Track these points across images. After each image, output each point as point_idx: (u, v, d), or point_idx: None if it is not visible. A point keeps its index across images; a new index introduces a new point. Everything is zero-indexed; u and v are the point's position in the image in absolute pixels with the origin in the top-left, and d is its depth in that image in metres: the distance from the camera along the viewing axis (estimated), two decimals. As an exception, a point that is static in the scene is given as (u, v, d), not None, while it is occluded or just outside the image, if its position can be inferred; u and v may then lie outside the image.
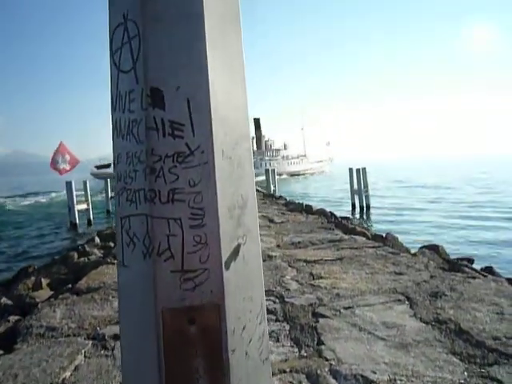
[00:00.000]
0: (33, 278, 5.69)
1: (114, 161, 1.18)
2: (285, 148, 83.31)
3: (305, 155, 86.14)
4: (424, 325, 2.99)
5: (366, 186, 21.84)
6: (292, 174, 75.17)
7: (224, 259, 1.10)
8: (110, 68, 1.15)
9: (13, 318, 3.79)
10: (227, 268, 1.11)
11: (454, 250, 11.02)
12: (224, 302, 1.10)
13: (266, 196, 16.78)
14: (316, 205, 14.06)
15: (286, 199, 16.13)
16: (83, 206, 21.15)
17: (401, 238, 13.07)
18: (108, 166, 52.08)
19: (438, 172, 68.61)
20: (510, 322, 2.95)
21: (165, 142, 1.06)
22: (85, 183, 21.63)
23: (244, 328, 1.15)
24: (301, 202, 14.10)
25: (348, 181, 23.39)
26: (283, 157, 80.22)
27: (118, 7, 1.12)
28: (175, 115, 1.06)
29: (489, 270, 5.77)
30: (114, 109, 1.15)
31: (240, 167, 1.17)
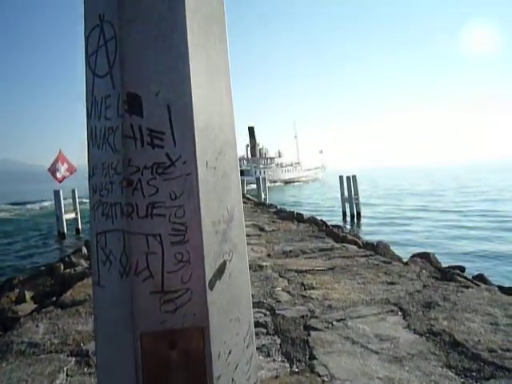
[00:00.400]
0: (16, 291, 5.52)
1: (88, 172, 1.09)
2: (279, 156, 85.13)
3: (298, 163, 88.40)
4: (418, 337, 2.92)
5: (356, 193, 21.87)
6: (286, 182, 76.82)
7: (208, 278, 1.02)
8: (85, 72, 1.07)
9: (-8, 334, 3.64)
10: (211, 288, 1.02)
11: (443, 258, 11.04)
12: (208, 324, 1.01)
13: (257, 204, 16.69)
14: (307, 213, 14.04)
15: (276, 207, 16.06)
16: (71, 215, 20.85)
17: (392, 246, 13.07)
18: None
19: (432, 179, 69.20)
20: (505, 332, 2.89)
21: (143, 152, 0.98)
22: (73, 191, 21.31)
23: (230, 352, 1.06)
24: (292, 210, 14.03)
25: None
26: (277, 164, 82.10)
27: (93, 8, 1.04)
28: (154, 123, 0.98)
29: (480, 278, 5.73)
30: (89, 116, 1.07)
31: (225, 178, 1.09)
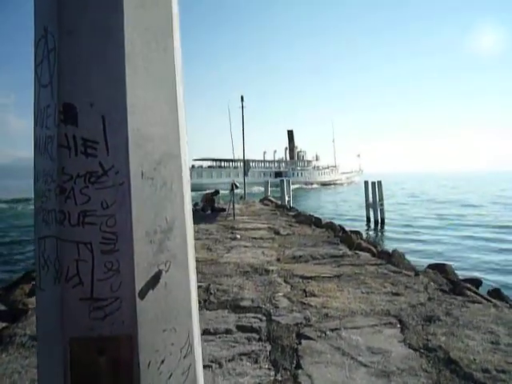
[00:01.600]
0: (31, 284, 5.71)
1: (34, 178, 1.13)
2: (316, 159, 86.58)
3: (335, 166, 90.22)
4: (412, 352, 2.84)
5: (381, 199, 21.49)
6: (322, 184, 78.45)
7: (139, 288, 1.02)
8: (33, 82, 1.10)
9: (0, 325, 3.78)
10: (142, 297, 1.03)
11: (465, 271, 10.68)
12: (137, 333, 1.02)
13: (278, 207, 16.63)
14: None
15: (297, 210, 15.96)
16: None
17: (412, 255, 12.78)
18: None
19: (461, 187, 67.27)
20: (505, 352, 2.78)
21: (77, 161, 1.00)
22: None
23: (163, 361, 1.07)
24: (311, 214, 13.91)
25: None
26: (314, 167, 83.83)
27: (40, 19, 1.08)
28: (89, 132, 1.00)
29: (496, 294, 5.50)
30: (35, 124, 1.10)
31: (165, 189, 1.09)
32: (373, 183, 21.78)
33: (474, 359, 2.68)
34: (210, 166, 69.11)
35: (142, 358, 1.03)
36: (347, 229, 12.15)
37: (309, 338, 3.06)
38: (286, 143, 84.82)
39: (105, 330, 1.01)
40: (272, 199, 21.07)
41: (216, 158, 69.41)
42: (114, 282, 1.01)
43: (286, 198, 26.06)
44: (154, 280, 1.06)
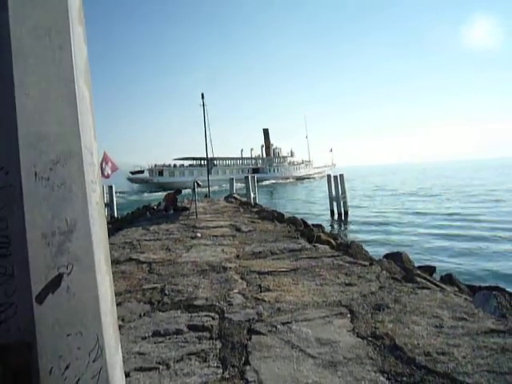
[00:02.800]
0: None
1: None
2: (291, 155, 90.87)
3: (309, 161, 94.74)
4: (360, 340, 2.89)
5: (343, 192, 21.89)
6: (298, 178, 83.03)
7: (36, 292, 0.98)
8: None
9: None
10: (41, 302, 0.98)
11: (422, 258, 11.06)
12: (35, 339, 0.98)
13: (242, 204, 16.62)
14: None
15: (261, 206, 16.02)
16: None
17: (373, 245, 13.09)
18: (141, 172, 62.97)
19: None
20: (447, 335, 2.88)
21: (-40, 163, 0.94)
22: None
23: (68, 367, 1.02)
24: (274, 209, 13.98)
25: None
26: (289, 163, 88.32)
27: None
28: (-25, 133, 0.94)
29: (448, 278, 5.72)
30: None
31: (64, 189, 1.04)
32: (335, 177, 22.14)
33: (418, 344, 2.76)
34: (190, 165, 71.05)
35: (42, 365, 0.98)
36: (310, 222, 12.32)
37: (259, 333, 3.06)
38: (262, 141, 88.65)
39: (0, 338, 0.96)
40: (237, 196, 21.04)
41: (196, 156, 70.39)
42: (7, 287, 0.96)
43: (252, 195, 26.09)
44: (54, 284, 1.01)
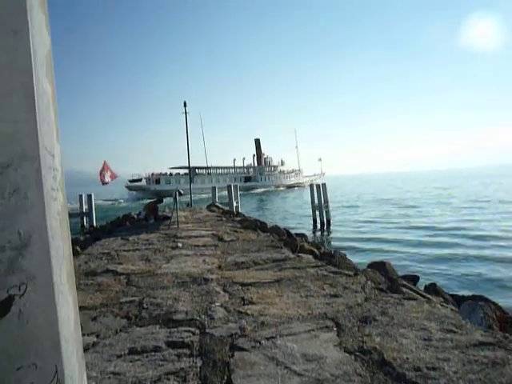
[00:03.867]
0: None
1: None
2: (282, 164, 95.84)
3: (299, 170, 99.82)
4: (347, 355, 2.77)
5: (326, 201, 21.93)
6: (288, 187, 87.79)
7: (-21, 319, 0.83)
8: None
9: None
10: (-15, 330, 0.83)
11: (405, 267, 11.09)
12: (-23, 377, 0.82)
13: (225, 213, 16.44)
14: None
15: (244, 215, 15.86)
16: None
17: (356, 254, 13.10)
18: (139, 180, 67.54)
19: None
20: (436, 348, 2.78)
21: None
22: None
23: (19, 407, 0.87)
24: (256, 218, 13.85)
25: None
26: (280, 171, 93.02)
27: None
28: None
29: (433, 288, 5.67)
30: None
31: (16, 196, 0.90)
32: (317, 186, 22.21)
33: (407, 358, 2.66)
34: (186, 174, 72.59)
35: (-16, 408, 0.83)
36: (293, 231, 12.22)
37: (242, 349, 2.91)
38: (254, 151, 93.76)
39: None
40: (219, 205, 20.84)
41: (192, 166, 72.28)
42: None
43: (234, 204, 25.90)
44: (2, 308, 0.86)
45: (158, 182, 69.64)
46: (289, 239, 8.44)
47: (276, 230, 10.16)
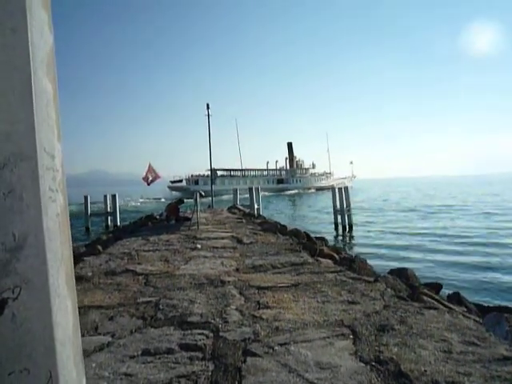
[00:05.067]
0: None
1: None
2: (313, 167, 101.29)
3: (330, 173, 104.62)
4: (363, 365, 2.68)
5: (348, 205, 21.65)
6: (318, 189, 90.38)
7: (-30, 322, 0.81)
8: None
9: None
10: (-25, 334, 0.82)
11: (430, 274, 10.80)
12: (-33, 382, 0.81)
13: (245, 215, 16.43)
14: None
15: (264, 218, 15.81)
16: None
17: (378, 259, 12.83)
18: (180, 181, 74.34)
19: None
20: (456, 361, 2.67)
21: None
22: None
23: (9, 414, 0.85)
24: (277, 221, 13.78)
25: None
26: (311, 174, 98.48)
27: None
28: None
29: (456, 297, 5.48)
30: None
31: (11, 197, 0.89)
32: (339, 189, 21.94)
33: (425, 371, 2.56)
34: (222, 175, 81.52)
35: (-26, 413, 0.81)
36: (315, 235, 12.10)
37: (255, 354, 2.86)
38: (286, 154, 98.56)
39: None
40: (240, 207, 20.86)
41: (226, 168, 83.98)
42: None
43: (256, 206, 25.88)
44: (-5, 311, 0.84)
45: (196, 182, 74.74)
46: (308, 243, 8.35)
47: (295, 233, 10.07)
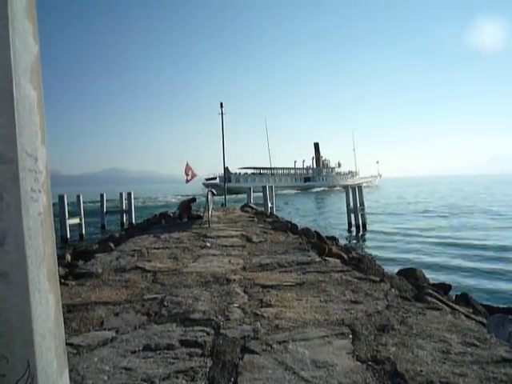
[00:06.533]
0: None
1: None
2: (339, 166, 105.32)
3: (355, 171, 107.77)
4: (359, 364, 2.70)
5: (361, 204, 21.50)
6: (344, 187, 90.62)
7: (-50, 313, 0.87)
8: None
9: None
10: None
11: (440, 276, 10.67)
12: None
13: (257, 214, 16.47)
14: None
15: (277, 217, 15.84)
16: (75, 221, 21.00)
17: (391, 260, 12.71)
18: (214, 178, 74.49)
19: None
20: (454, 362, 2.67)
21: None
22: (78, 197, 21.46)
23: (-13, 399, 0.92)
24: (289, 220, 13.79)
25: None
26: (337, 173, 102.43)
27: None
28: None
29: (464, 298, 5.44)
30: None
31: (-8, 196, 0.95)
32: (353, 189, 21.81)
33: (421, 371, 2.56)
34: (253, 173, 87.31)
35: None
36: (327, 234, 12.08)
37: (254, 352, 2.90)
38: (313, 153, 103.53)
39: None
40: (253, 205, 20.90)
41: (256, 166, 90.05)
42: None
43: (269, 205, 25.86)
44: (-26, 304, 0.90)
45: (229, 180, 78.62)
46: (317, 242, 8.35)
47: (306, 232, 10.07)
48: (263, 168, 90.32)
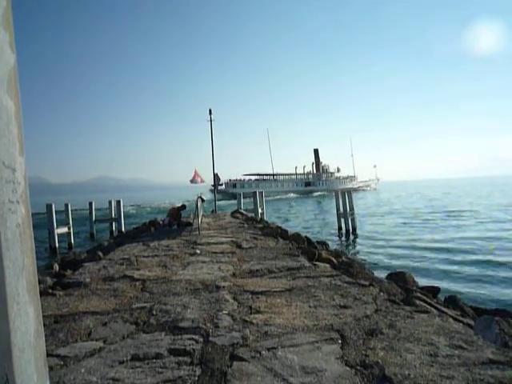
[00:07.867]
0: None
1: None
2: (338, 171, 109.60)
3: (354, 176, 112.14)
4: (348, 369, 2.70)
5: (351, 209, 21.61)
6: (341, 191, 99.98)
7: None
8: None
9: None
10: None
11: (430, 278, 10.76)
12: None
13: (247, 220, 16.46)
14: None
15: (267, 222, 15.85)
16: (64, 230, 20.75)
17: (380, 264, 12.77)
18: (220, 185, 79.08)
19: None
20: (441, 365, 2.68)
21: None
22: (66, 206, 21.23)
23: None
24: (279, 225, 13.80)
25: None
26: (336, 177, 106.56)
27: None
28: None
29: (452, 300, 5.48)
30: None
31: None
32: (343, 193, 21.92)
33: (409, 374, 2.57)
34: (256, 179, 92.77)
35: None
36: (318, 239, 12.10)
37: (242, 359, 2.89)
38: (312, 159, 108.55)
39: None
40: (243, 212, 20.89)
41: (260, 173, 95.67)
42: None
43: (260, 211, 25.84)
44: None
45: (234, 186, 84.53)
46: (307, 247, 8.36)
47: (296, 237, 10.09)
48: (266, 174, 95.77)
